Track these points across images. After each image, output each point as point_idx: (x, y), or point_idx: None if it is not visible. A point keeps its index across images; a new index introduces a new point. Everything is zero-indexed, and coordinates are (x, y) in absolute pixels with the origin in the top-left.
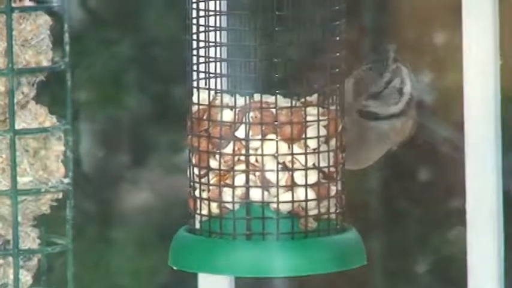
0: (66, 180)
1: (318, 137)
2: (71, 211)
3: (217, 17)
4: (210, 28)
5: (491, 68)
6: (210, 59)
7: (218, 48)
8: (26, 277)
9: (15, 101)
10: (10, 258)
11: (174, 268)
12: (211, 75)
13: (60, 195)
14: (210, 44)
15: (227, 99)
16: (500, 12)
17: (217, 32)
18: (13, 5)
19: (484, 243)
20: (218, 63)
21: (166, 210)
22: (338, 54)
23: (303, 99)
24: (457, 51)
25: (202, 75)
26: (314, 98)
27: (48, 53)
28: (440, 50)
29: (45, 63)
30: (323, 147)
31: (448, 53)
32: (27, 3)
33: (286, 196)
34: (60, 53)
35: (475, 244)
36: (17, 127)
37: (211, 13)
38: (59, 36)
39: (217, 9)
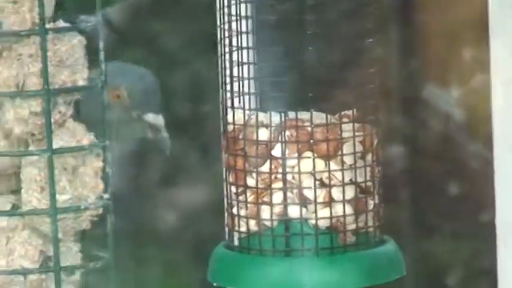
0: (106, 196)
1: (354, 153)
2: (111, 226)
3: (247, 36)
4: (241, 47)
5: None
6: (243, 78)
7: (250, 66)
8: None
9: (53, 120)
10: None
11: (214, 284)
12: (245, 94)
13: (100, 211)
14: (243, 62)
15: (262, 117)
16: None
17: (249, 51)
18: (47, 26)
19: None
20: (251, 82)
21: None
22: (372, 70)
23: (337, 115)
24: (484, 67)
25: (235, 94)
26: (349, 113)
27: (84, 72)
28: (468, 65)
29: (81, 83)
30: (359, 163)
31: (476, 68)
32: (61, 24)
33: (324, 212)
34: (94, 72)
35: (505, 257)
36: (55, 145)
37: (241, 32)
38: (92, 55)
39: (248, 29)
